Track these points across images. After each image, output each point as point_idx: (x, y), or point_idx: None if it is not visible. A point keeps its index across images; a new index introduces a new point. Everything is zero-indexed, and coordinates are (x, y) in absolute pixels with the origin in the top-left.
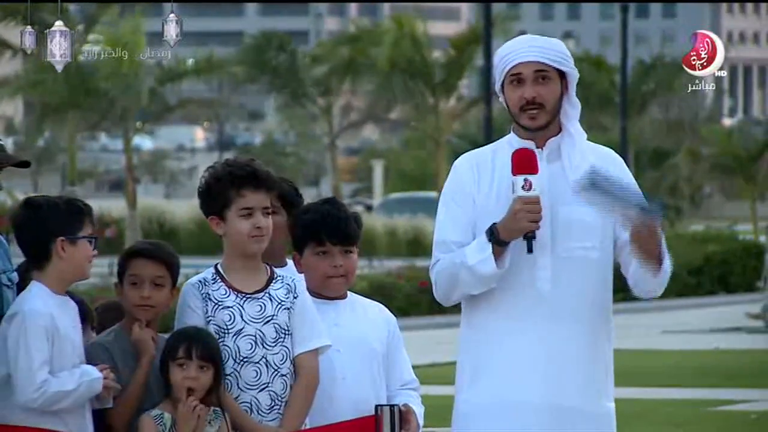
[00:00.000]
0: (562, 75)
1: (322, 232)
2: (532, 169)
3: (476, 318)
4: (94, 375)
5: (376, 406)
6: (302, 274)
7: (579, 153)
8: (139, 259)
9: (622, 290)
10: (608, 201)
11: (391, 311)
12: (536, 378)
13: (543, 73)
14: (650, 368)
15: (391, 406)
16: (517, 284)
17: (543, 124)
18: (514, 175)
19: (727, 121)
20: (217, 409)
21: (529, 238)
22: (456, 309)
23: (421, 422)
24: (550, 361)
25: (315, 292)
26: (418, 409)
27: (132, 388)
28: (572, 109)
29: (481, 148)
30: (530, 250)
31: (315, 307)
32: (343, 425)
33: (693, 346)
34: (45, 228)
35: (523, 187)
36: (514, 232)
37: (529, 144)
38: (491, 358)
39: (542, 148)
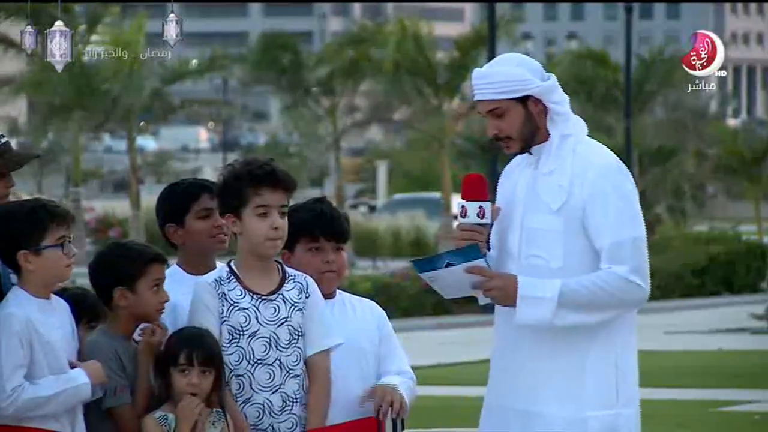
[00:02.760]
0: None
1: (316, 229)
2: (480, 195)
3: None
4: (80, 381)
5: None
6: None
7: (555, 160)
8: (160, 265)
9: None
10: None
11: (395, 312)
12: (510, 383)
13: (494, 110)
14: (653, 369)
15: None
16: None
17: (518, 150)
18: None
19: (731, 122)
20: (219, 410)
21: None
22: (459, 310)
23: (408, 395)
24: (519, 366)
25: None
26: (405, 389)
27: (141, 392)
28: (557, 115)
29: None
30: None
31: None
32: (344, 426)
33: (696, 346)
34: (7, 241)
35: (460, 214)
36: None
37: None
38: (492, 363)
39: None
